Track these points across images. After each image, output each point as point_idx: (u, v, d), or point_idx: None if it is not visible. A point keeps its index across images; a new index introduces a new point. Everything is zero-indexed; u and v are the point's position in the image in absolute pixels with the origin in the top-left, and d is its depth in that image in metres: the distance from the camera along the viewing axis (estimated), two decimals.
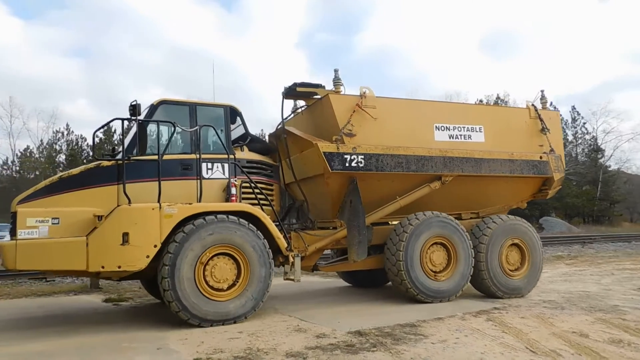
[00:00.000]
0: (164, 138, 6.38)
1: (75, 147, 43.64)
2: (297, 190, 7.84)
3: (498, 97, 62.17)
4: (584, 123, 51.43)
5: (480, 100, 55.46)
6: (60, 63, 66.51)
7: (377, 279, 9.01)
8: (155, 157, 5.92)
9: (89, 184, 5.82)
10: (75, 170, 5.93)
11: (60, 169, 38.33)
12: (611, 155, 49.44)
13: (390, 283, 8.55)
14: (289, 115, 7.95)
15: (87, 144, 43.17)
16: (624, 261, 14.42)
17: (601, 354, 4.53)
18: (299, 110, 8.07)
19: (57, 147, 43.64)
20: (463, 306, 6.94)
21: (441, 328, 5.60)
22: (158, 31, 78.70)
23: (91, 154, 34.95)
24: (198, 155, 6.17)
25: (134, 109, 5.76)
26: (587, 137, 51.68)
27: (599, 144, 50.05)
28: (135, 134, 6.01)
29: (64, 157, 42.62)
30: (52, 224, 5.54)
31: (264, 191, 6.77)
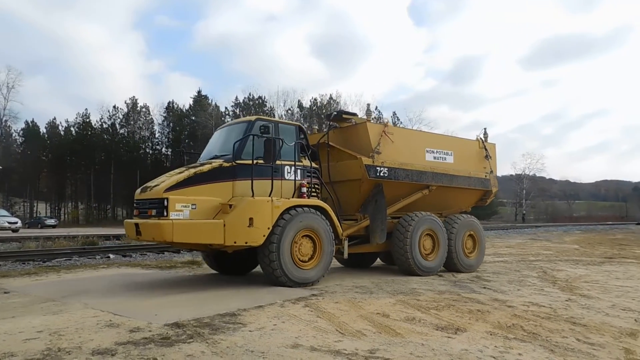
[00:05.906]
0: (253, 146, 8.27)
1: None
2: (328, 189, 10.18)
3: (331, 97, 71.16)
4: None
5: (315, 99, 66.60)
6: None
7: (365, 261, 11.76)
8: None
9: (214, 179, 7.63)
10: (205, 168, 7.64)
11: None
12: None
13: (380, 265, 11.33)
14: (326, 132, 10.25)
15: None
16: None
17: (397, 330, 5.07)
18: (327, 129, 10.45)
19: None
20: (284, 294, 7.21)
21: (260, 316, 5.67)
22: None
23: None
24: (294, 162, 8.32)
25: (265, 129, 7.72)
26: None
27: None
28: (244, 142, 7.94)
29: None
30: (192, 208, 7.29)
31: (317, 190, 9.07)
